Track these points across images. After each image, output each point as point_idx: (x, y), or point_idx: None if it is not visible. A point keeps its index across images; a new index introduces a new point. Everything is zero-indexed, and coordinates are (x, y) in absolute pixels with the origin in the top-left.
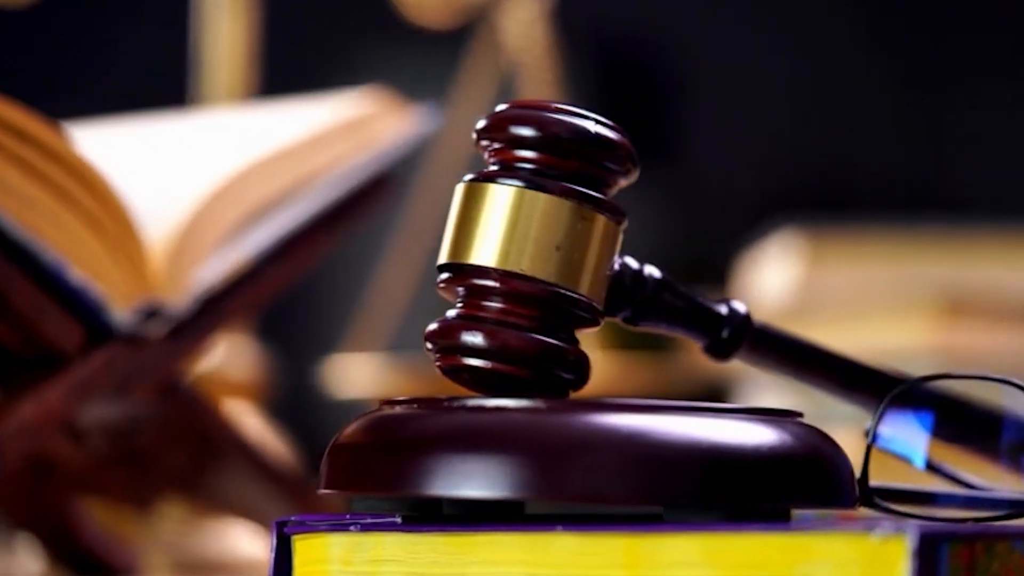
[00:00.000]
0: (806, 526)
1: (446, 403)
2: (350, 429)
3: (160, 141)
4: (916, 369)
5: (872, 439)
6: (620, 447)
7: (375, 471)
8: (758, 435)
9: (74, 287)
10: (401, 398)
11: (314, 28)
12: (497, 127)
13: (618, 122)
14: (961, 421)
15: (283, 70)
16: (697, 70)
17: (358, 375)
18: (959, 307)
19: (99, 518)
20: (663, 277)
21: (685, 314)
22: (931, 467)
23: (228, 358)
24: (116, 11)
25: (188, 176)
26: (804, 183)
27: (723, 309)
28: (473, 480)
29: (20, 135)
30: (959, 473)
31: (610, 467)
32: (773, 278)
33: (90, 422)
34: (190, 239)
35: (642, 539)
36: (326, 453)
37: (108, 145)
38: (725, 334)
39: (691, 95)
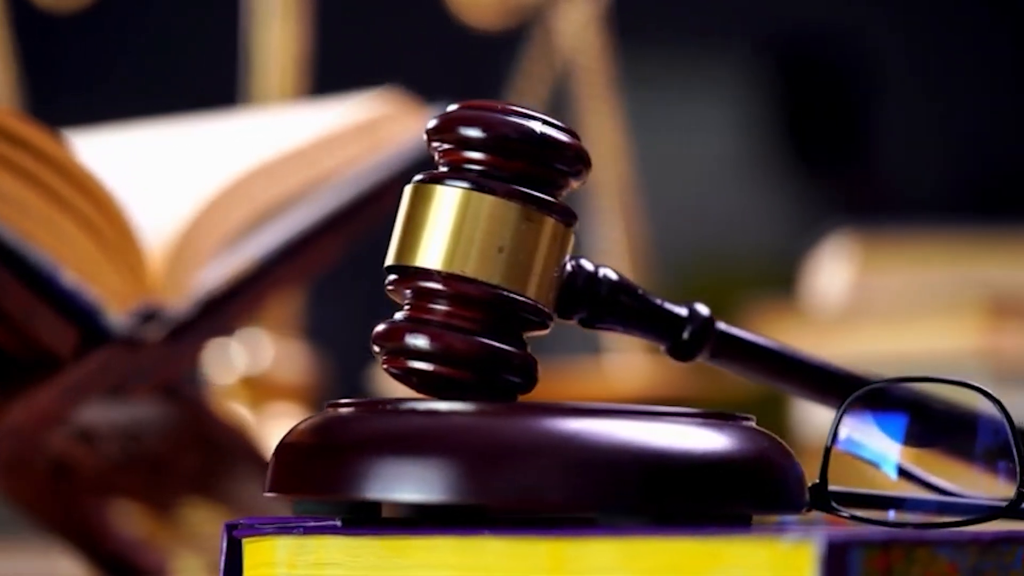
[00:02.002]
0: (720, 531)
1: (386, 406)
2: (294, 431)
3: (170, 144)
4: (963, 372)
5: (831, 442)
6: (554, 451)
7: (313, 474)
8: (698, 439)
9: (67, 290)
10: (346, 400)
11: (366, 29)
12: (445, 128)
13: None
14: (930, 424)
15: (335, 72)
16: (882, 69)
17: None
18: (1007, 310)
19: (129, 520)
20: (620, 279)
21: (643, 316)
22: (901, 472)
23: (277, 360)
24: (168, 13)
25: (193, 178)
26: (987, 184)
27: (683, 311)
28: (407, 484)
29: (11, 140)
30: (930, 478)
31: (544, 471)
32: (828, 281)
33: (101, 425)
34: (191, 242)
35: (565, 544)
36: (272, 455)
37: (117, 148)
38: (686, 336)
39: (878, 95)
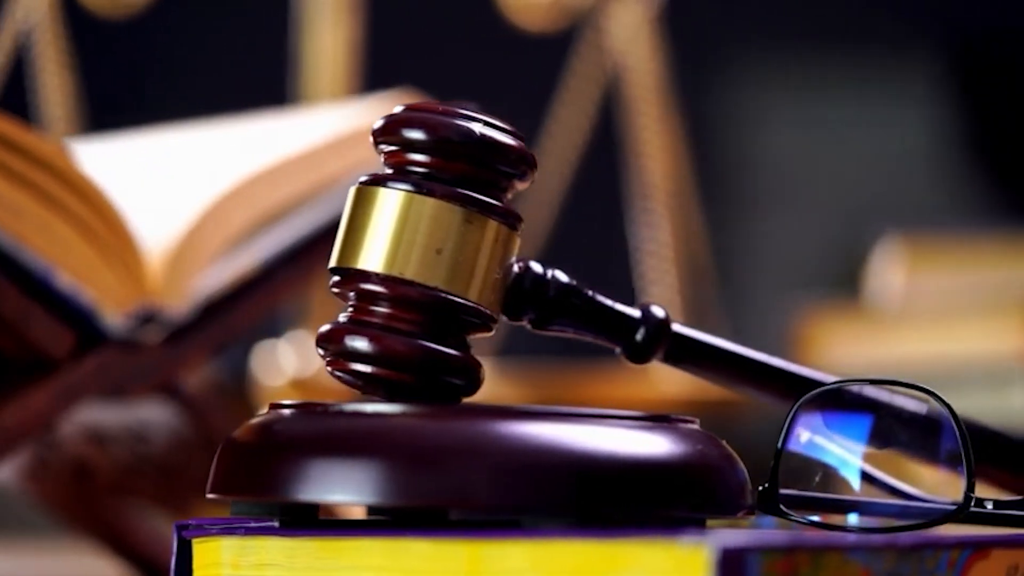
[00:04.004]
0: (623, 534)
1: (324, 408)
2: (235, 433)
3: (176, 148)
4: (1004, 373)
5: (781, 443)
6: (481, 453)
7: (248, 476)
8: (630, 442)
9: (62, 293)
10: (288, 401)
11: (417, 31)
12: (390, 130)
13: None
14: (886, 426)
15: (385, 73)
16: None
17: None
18: None
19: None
20: (570, 282)
21: (594, 317)
22: (856, 473)
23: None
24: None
25: (197, 183)
26: None
27: (636, 312)
28: (336, 486)
29: (5, 144)
30: (888, 479)
31: (470, 473)
32: (878, 284)
33: (111, 427)
34: (192, 245)
35: (482, 546)
36: (215, 457)
37: (124, 154)
38: (639, 337)
39: None
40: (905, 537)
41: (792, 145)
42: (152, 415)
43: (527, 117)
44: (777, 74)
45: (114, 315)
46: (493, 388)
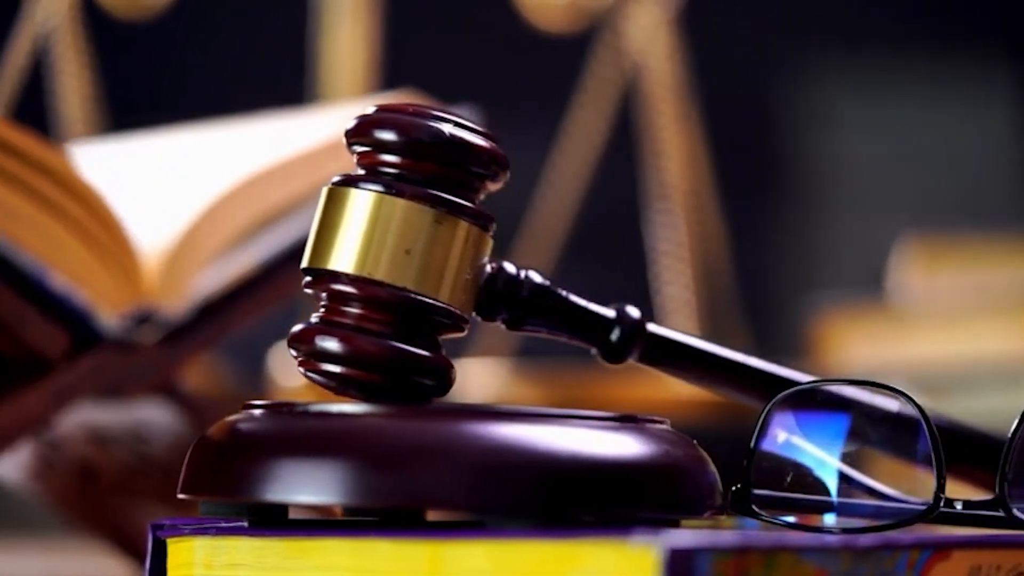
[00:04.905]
0: (578, 534)
1: (290, 408)
2: (207, 433)
3: (176, 149)
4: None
5: (754, 443)
6: (446, 453)
7: (217, 476)
8: (595, 443)
9: (56, 293)
10: (260, 401)
11: (435, 32)
12: (361, 131)
13: None
14: (860, 425)
15: (404, 75)
16: None
17: (484, 381)
18: None
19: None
20: (544, 282)
21: (568, 318)
22: (830, 473)
23: None
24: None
25: (196, 184)
26: None
27: (611, 313)
28: (302, 486)
29: (1, 147)
30: (864, 479)
31: (435, 473)
32: (896, 283)
33: (112, 427)
34: (190, 246)
35: (443, 546)
36: (187, 456)
37: (123, 156)
38: (614, 337)
39: None
40: (863, 538)
41: (863, 147)
42: (153, 415)
43: (545, 118)
44: (852, 75)
45: (109, 316)
46: (512, 389)
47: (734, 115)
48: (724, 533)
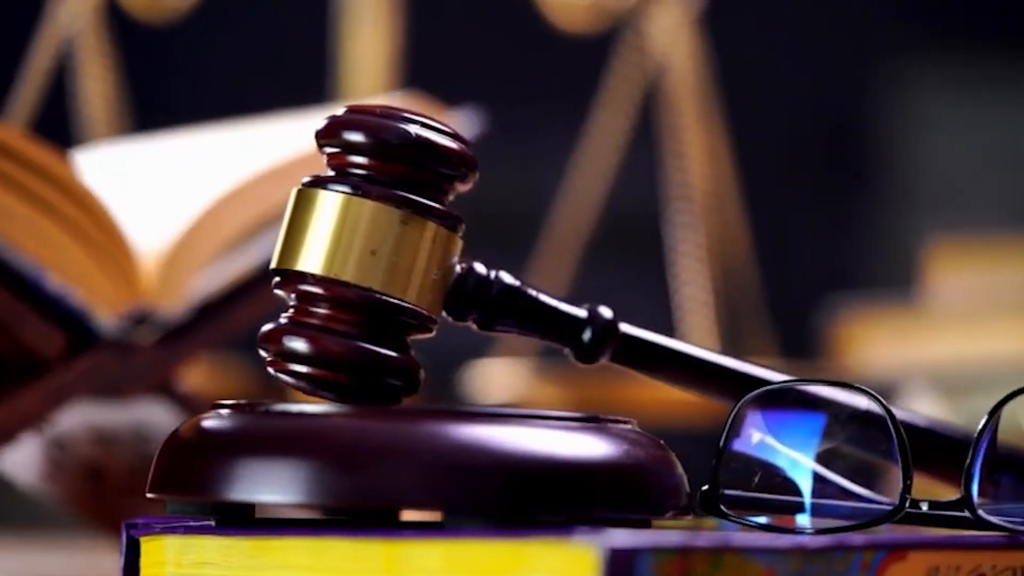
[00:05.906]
0: (526, 534)
1: (254, 408)
2: (174, 433)
3: (175, 152)
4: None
5: (723, 443)
6: (407, 453)
7: (183, 475)
8: (559, 443)
9: (53, 294)
10: (228, 400)
11: (457, 32)
12: (331, 132)
13: None
14: (829, 425)
15: (425, 75)
16: None
17: (505, 381)
18: None
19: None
20: (514, 282)
21: (539, 318)
22: (802, 473)
23: None
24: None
25: (195, 185)
26: None
27: (582, 313)
28: (266, 486)
29: None
30: (838, 479)
31: (396, 473)
32: (920, 284)
33: (115, 428)
34: (188, 247)
35: (400, 545)
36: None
37: (123, 158)
38: (586, 338)
39: None
40: (814, 538)
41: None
42: (154, 416)
43: (567, 118)
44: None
45: (106, 316)
46: (534, 389)
47: (759, 115)
48: (668, 533)
